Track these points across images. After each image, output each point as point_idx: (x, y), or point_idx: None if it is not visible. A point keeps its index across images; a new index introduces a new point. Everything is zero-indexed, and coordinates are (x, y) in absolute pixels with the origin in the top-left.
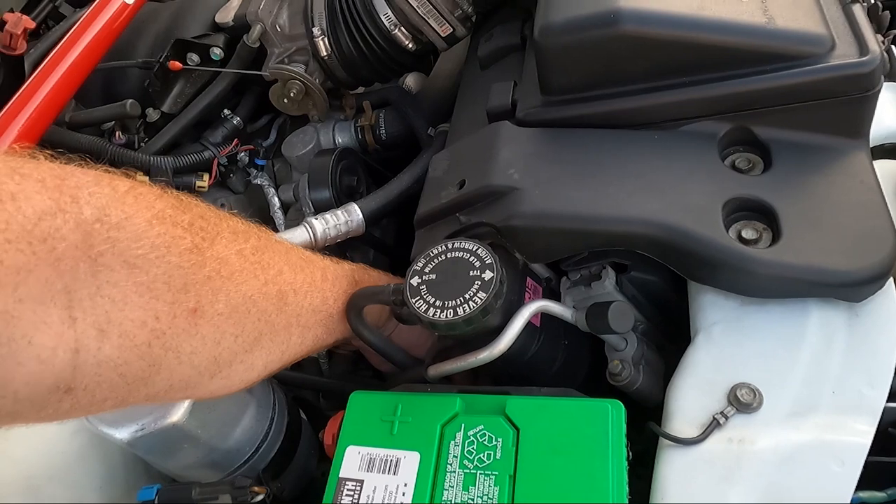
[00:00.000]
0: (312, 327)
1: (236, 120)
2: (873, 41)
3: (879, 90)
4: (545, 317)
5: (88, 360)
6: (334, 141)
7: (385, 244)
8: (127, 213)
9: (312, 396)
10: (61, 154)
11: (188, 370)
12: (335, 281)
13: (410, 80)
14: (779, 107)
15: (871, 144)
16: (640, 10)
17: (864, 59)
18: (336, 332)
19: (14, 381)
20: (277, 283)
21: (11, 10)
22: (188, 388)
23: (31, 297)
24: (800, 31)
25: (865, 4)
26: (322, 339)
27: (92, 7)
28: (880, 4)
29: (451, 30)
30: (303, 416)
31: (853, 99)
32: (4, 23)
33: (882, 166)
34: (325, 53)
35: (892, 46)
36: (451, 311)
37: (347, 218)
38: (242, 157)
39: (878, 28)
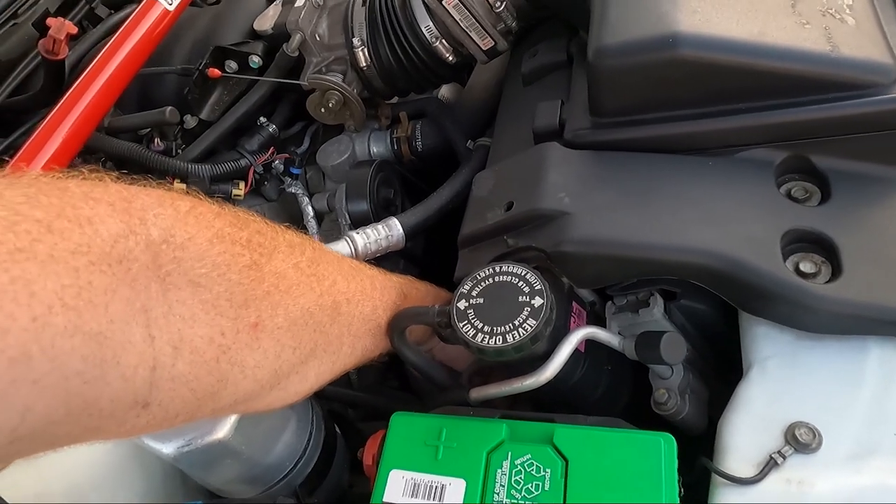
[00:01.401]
0: (362, 337)
1: (272, 128)
2: None
3: None
4: (590, 343)
5: (164, 376)
6: (369, 151)
7: (415, 255)
8: (190, 233)
9: (341, 408)
10: (125, 175)
11: (251, 384)
12: (384, 290)
13: (446, 91)
14: (839, 136)
15: None
16: (700, 34)
17: None
18: (381, 344)
19: (101, 399)
20: (332, 294)
21: (47, 12)
22: (249, 401)
23: (118, 317)
24: (865, 60)
25: None
26: (370, 351)
27: (134, 13)
28: None
29: (493, 43)
30: (337, 430)
31: None
32: (47, 28)
33: None
34: (364, 64)
35: None
36: (500, 337)
37: (388, 233)
38: (277, 165)
39: None
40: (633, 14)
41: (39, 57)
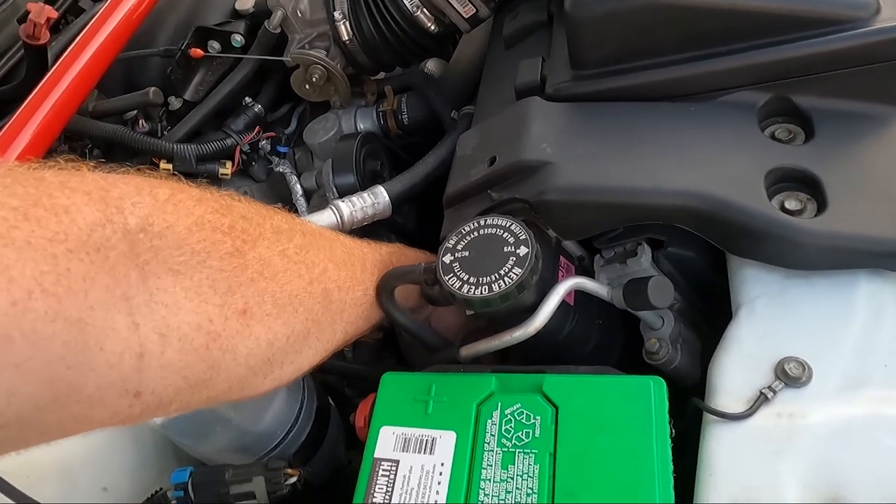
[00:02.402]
0: (354, 321)
1: (258, 107)
2: None
3: None
4: (579, 295)
5: (153, 363)
6: (356, 127)
7: (406, 229)
8: (168, 221)
9: (339, 384)
10: (103, 163)
11: (244, 371)
12: (373, 270)
13: (432, 65)
14: (820, 74)
15: None
16: None
17: None
18: (373, 318)
19: (87, 386)
20: (322, 282)
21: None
22: (244, 388)
23: (99, 304)
24: None
25: None
26: (361, 329)
27: None
28: None
29: (475, 10)
30: (331, 402)
31: None
32: (27, 13)
33: None
34: (346, 38)
35: None
36: (487, 287)
37: (374, 200)
38: (264, 144)
39: None
40: None
41: (23, 49)
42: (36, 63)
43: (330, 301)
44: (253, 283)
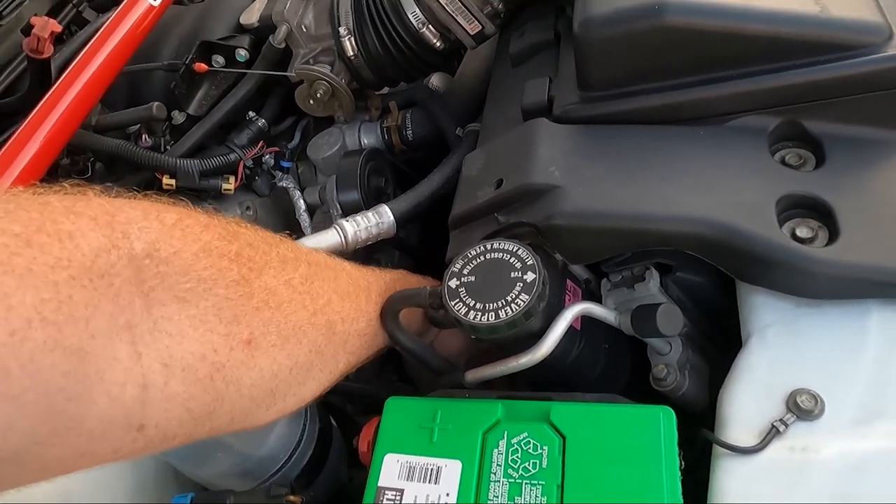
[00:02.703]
0: (356, 351)
1: (261, 122)
2: None
3: None
4: (586, 320)
5: (157, 395)
6: (360, 142)
7: (410, 246)
8: (175, 247)
9: (339, 401)
10: (109, 189)
11: (248, 403)
12: (378, 300)
13: (436, 80)
14: (832, 99)
15: None
16: (686, 0)
17: None
18: (376, 347)
19: (88, 419)
20: (326, 314)
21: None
22: (246, 420)
23: (100, 332)
24: (855, 20)
25: None
26: (363, 359)
27: (117, 10)
28: None
29: (480, 27)
30: (333, 422)
31: None
32: (31, 27)
33: None
34: (351, 53)
35: None
36: (493, 314)
37: (378, 220)
38: (268, 159)
39: None
40: None
41: (26, 61)
42: (39, 76)
43: (333, 333)
44: (258, 312)
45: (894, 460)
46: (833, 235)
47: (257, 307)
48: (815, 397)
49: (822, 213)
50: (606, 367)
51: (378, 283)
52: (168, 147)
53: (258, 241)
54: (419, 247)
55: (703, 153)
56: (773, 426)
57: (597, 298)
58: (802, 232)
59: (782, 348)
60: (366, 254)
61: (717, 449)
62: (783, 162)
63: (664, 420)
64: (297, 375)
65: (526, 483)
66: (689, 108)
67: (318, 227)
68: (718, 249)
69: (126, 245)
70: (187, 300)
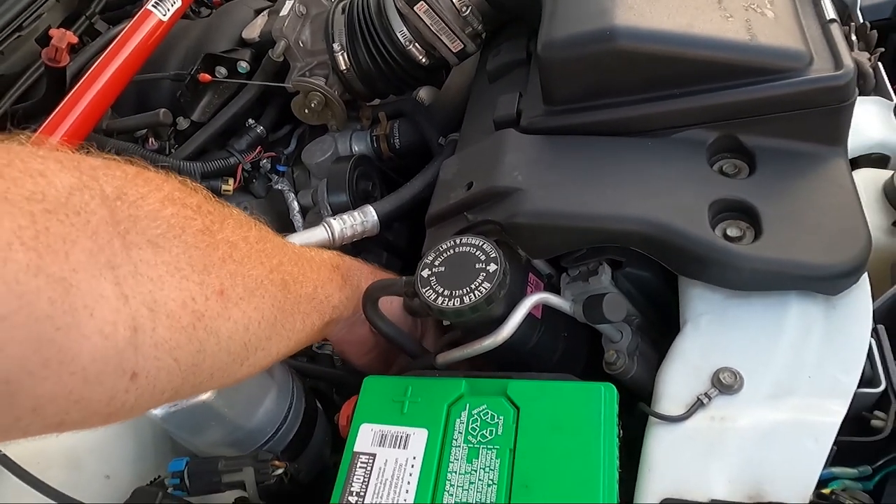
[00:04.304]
0: (310, 314)
1: (260, 129)
2: (847, 57)
3: (854, 101)
4: (546, 310)
5: (146, 340)
6: (351, 149)
7: (398, 247)
8: (141, 192)
9: (327, 389)
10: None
11: (225, 357)
12: (319, 269)
13: (423, 93)
14: (762, 116)
15: (858, 154)
16: (634, 27)
17: (838, 73)
18: (325, 315)
19: (82, 355)
20: (280, 273)
21: (49, 27)
22: (224, 375)
23: (82, 267)
24: (780, 47)
25: (852, 25)
26: (317, 326)
27: (129, 24)
28: (868, 24)
29: (462, 46)
30: (318, 405)
31: (830, 109)
32: (48, 37)
33: (867, 174)
34: (344, 67)
35: (879, 63)
36: (458, 299)
37: (363, 218)
38: (265, 163)
39: (867, 46)
40: (577, 11)
41: (42, 68)
42: (55, 83)
43: (288, 291)
44: (224, 264)
45: (798, 429)
46: (758, 235)
47: (223, 259)
48: (735, 374)
49: (750, 215)
50: (565, 353)
51: (318, 257)
52: (173, 150)
53: (212, 200)
54: (407, 248)
55: (650, 162)
56: (698, 399)
57: (558, 291)
58: (732, 232)
59: (712, 334)
60: (354, 254)
61: (650, 419)
62: (721, 171)
63: (606, 395)
64: (264, 329)
65: (483, 447)
66: (638, 122)
67: (310, 226)
68: (660, 246)
69: (96, 186)
70: (160, 245)
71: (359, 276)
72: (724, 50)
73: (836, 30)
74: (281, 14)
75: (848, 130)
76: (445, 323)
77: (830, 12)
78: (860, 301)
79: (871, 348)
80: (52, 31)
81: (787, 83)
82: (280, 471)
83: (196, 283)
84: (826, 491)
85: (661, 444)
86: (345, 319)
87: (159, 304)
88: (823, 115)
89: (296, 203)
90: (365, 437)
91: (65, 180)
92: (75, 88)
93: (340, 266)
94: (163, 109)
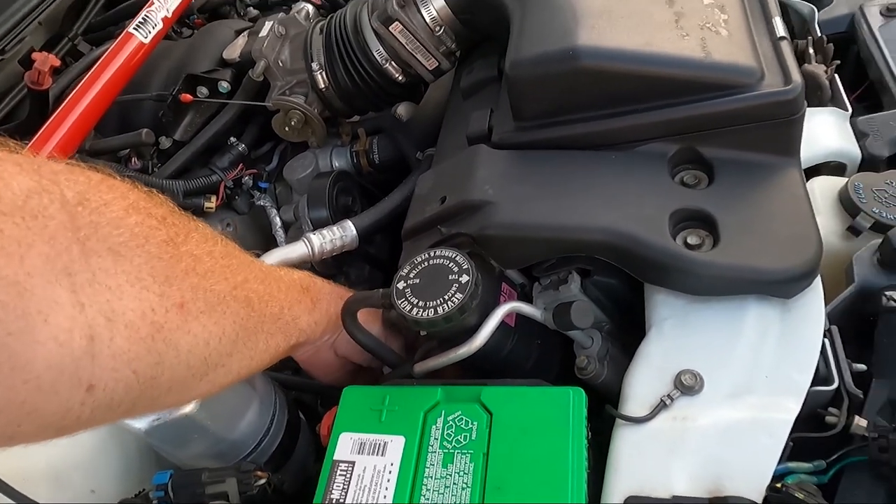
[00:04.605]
0: (274, 334)
1: (241, 147)
2: (796, 72)
3: (803, 114)
4: (519, 318)
5: (103, 350)
6: (331, 165)
7: (380, 260)
8: (104, 199)
9: (312, 401)
10: (25, 141)
11: (184, 371)
12: (288, 290)
13: (402, 109)
14: (718, 129)
15: (817, 162)
16: (596, 46)
17: (787, 87)
18: (290, 336)
19: (35, 362)
20: (244, 290)
21: (32, 49)
22: (182, 391)
23: (37, 272)
24: (733, 64)
25: (810, 38)
26: (281, 348)
27: (112, 46)
28: (825, 38)
29: (437, 64)
30: (302, 417)
31: (781, 122)
32: (31, 59)
33: (824, 182)
34: (322, 85)
35: (836, 75)
36: (432, 310)
37: (342, 233)
38: (247, 180)
39: (824, 59)
40: (543, 31)
41: (25, 89)
42: (38, 106)
43: (252, 309)
44: (187, 276)
45: (754, 427)
46: (716, 242)
47: (185, 271)
48: (696, 376)
49: (709, 224)
50: (538, 361)
51: (288, 278)
52: (155, 169)
53: (178, 213)
54: (389, 261)
55: (615, 174)
56: (661, 400)
57: (530, 300)
58: (692, 240)
59: (675, 338)
60: (337, 267)
61: (617, 421)
62: (682, 182)
63: (574, 398)
64: (225, 345)
65: (458, 452)
66: (602, 136)
67: (292, 241)
68: (624, 255)
69: (57, 190)
70: (122, 254)
71: (329, 300)
72: (680, 67)
73: (786, 47)
74: (260, 35)
75: (800, 142)
76: (423, 334)
77: (781, 30)
78: (813, 304)
79: (825, 348)
80: (35, 55)
81: (740, 98)
82: (262, 481)
83: (156, 295)
84: (778, 485)
85: (625, 445)
86: (311, 342)
87: (117, 313)
88: (775, 127)
89: (278, 219)
90: (344, 445)
91: (22, 183)
92: (58, 110)
93: (311, 288)
94: (145, 129)
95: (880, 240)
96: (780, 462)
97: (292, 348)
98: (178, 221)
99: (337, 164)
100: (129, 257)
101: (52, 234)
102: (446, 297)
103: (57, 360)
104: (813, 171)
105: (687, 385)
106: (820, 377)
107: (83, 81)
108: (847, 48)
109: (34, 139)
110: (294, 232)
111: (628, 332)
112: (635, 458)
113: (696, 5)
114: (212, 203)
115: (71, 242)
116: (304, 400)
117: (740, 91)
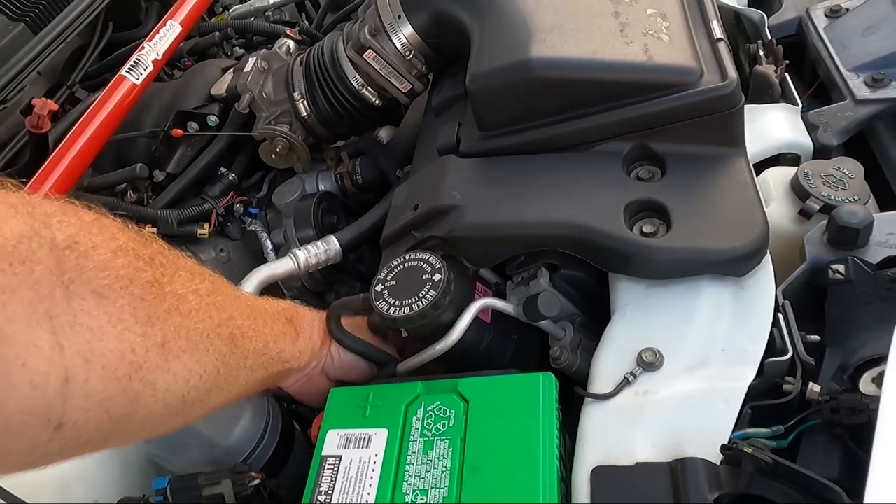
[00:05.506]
0: (256, 370)
1: (232, 176)
2: (732, 69)
3: (742, 107)
4: (495, 314)
5: (77, 391)
6: (318, 188)
7: (369, 277)
8: (94, 242)
9: (308, 411)
10: (24, 183)
11: (161, 409)
12: (273, 324)
13: (383, 132)
14: (666, 125)
15: (772, 154)
16: (547, 57)
17: (724, 83)
18: (272, 371)
19: (7, 406)
20: (229, 327)
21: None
22: (156, 426)
23: (18, 317)
24: (674, 65)
25: (760, 42)
26: (262, 382)
27: (106, 88)
28: (775, 41)
29: (411, 86)
30: (298, 428)
31: (722, 115)
32: (33, 107)
33: (778, 172)
34: (305, 113)
35: (786, 75)
36: (408, 307)
37: (326, 247)
38: (238, 207)
39: (775, 60)
40: (498, 46)
41: (26, 136)
42: (38, 148)
43: (235, 346)
44: (170, 316)
45: (711, 395)
46: (669, 229)
47: (168, 311)
48: (656, 353)
49: (661, 213)
50: (516, 355)
51: (273, 309)
52: (150, 201)
53: (167, 251)
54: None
55: (573, 173)
56: (624, 377)
57: (505, 298)
58: (647, 228)
59: (636, 320)
60: (327, 284)
61: (585, 399)
62: (638, 177)
63: (544, 383)
64: (206, 383)
65: (437, 439)
66: (559, 139)
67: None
68: (584, 246)
69: (48, 234)
70: (105, 296)
71: (313, 328)
72: (625, 71)
73: (723, 47)
74: (245, 70)
75: (743, 133)
76: (404, 334)
77: (718, 32)
78: (764, 280)
79: (779, 322)
80: (35, 101)
81: (682, 95)
82: (257, 481)
83: (138, 335)
84: (730, 443)
85: (592, 420)
86: (298, 370)
87: (96, 354)
88: (717, 120)
89: (269, 242)
90: (332, 441)
91: (15, 228)
92: (56, 150)
93: (294, 318)
94: (140, 164)
95: None
96: (739, 428)
97: (276, 379)
98: (165, 261)
99: (322, 187)
100: (113, 299)
101: (37, 279)
102: (420, 295)
103: (29, 402)
104: (772, 163)
105: (648, 362)
106: (777, 350)
107: (80, 122)
108: (804, 50)
109: (35, 177)
110: (284, 253)
111: (600, 322)
112: (601, 431)
113: (640, 15)
114: (205, 230)
115: (55, 286)
116: (301, 412)
117: (682, 89)
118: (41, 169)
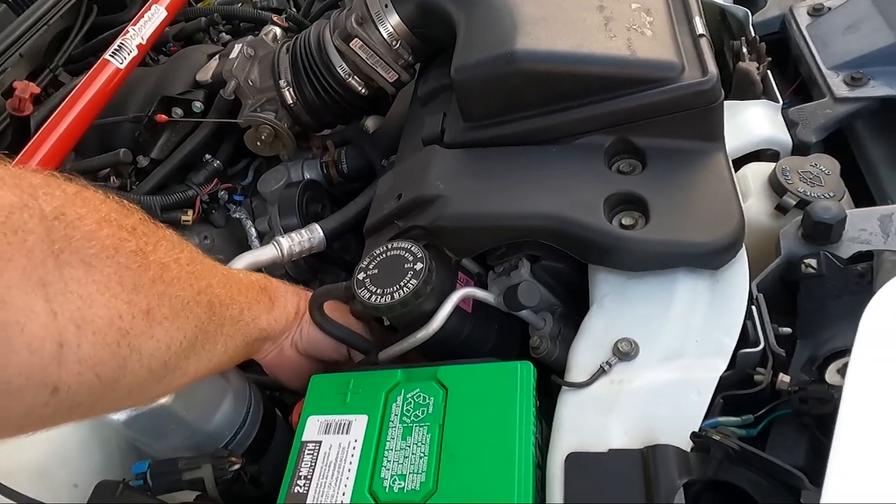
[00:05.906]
0: (234, 337)
1: (216, 163)
2: (713, 65)
3: (721, 102)
4: (476, 304)
5: (71, 356)
6: (303, 177)
7: (354, 266)
8: (79, 213)
9: (291, 399)
10: (7, 156)
11: (145, 374)
12: (248, 292)
13: (370, 122)
14: (647, 119)
15: (752, 150)
16: (532, 49)
17: (704, 79)
18: (249, 337)
19: (7, 369)
20: (207, 294)
21: (14, 81)
22: (141, 393)
23: (15, 284)
24: (656, 60)
25: (743, 39)
26: (240, 348)
27: (89, 72)
28: (758, 38)
29: (397, 76)
30: (279, 415)
31: (702, 110)
32: (14, 89)
33: (756, 168)
34: (290, 101)
35: (768, 72)
36: (389, 296)
37: (310, 235)
38: (222, 194)
39: (758, 57)
40: (484, 38)
41: (8, 119)
42: (20, 131)
43: (213, 313)
44: (154, 284)
45: (684, 385)
46: (648, 222)
47: (153, 280)
48: (632, 343)
49: (640, 206)
50: (497, 344)
51: (247, 280)
52: (133, 187)
53: (148, 222)
54: None
55: (555, 165)
56: (600, 367)
57: (486, 288)
58: (626, 221)
59: (614, 311)
60: (312, 273)
61: (562, 388)
62: (619, 170)
63: (522, 371)
64: (185, 349)
65: (416, 426)
66: (542, 131)
67: None
68: (564, 237)
69: (36, 205)
70: (93, 265)
71: (287, 298)
72: (608, 65)
73: (704, 43)
74: (230, 56)
75: (722, 128)
76: (386, 323)
77: (700, 29)
78: (739, 274)
79: (752, 314)
80: (16, 83)
81: (663, 90)
82: (237, 466)
83: (125, 302)
84: (699, 431)
85: (567, 408)
86: (272, 340)
87: (87, 320)
88: (697, 115)
89: (253, 230)
90: (312, 427)
91: (5, 199)
92: (39, 133)
93: (268, 288)
94: (123, 149)
95: None
96: (710, 417)
97: (252, 347)
98: (147, 230)
99: (308, 176)
100: (100, 268)
101: (30, 247)
102: (402, 284)
103: (27, 366)
104: (752, 159)
105: (623, 351)
106: (750, 341)
107: (62, 105)
108: (787, 47)
109: (14, 162)
110: (269, 241)
111: (579, 313)
112: (576, 419)
113: (624, 10)
114: (188, 217)
115: (46, 255)
116: (283, 399)
117: (663, 84)
118: (23, 152)
